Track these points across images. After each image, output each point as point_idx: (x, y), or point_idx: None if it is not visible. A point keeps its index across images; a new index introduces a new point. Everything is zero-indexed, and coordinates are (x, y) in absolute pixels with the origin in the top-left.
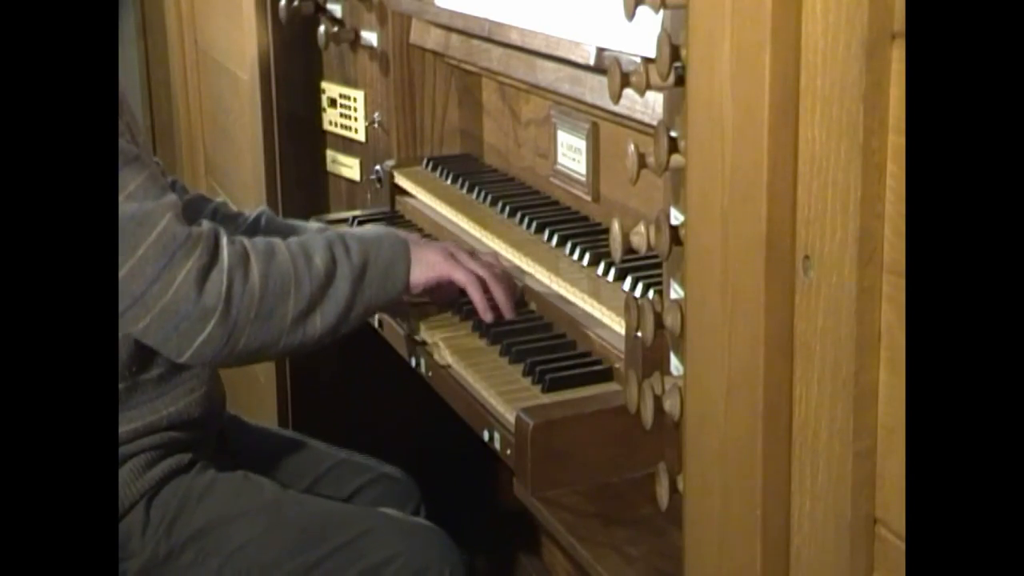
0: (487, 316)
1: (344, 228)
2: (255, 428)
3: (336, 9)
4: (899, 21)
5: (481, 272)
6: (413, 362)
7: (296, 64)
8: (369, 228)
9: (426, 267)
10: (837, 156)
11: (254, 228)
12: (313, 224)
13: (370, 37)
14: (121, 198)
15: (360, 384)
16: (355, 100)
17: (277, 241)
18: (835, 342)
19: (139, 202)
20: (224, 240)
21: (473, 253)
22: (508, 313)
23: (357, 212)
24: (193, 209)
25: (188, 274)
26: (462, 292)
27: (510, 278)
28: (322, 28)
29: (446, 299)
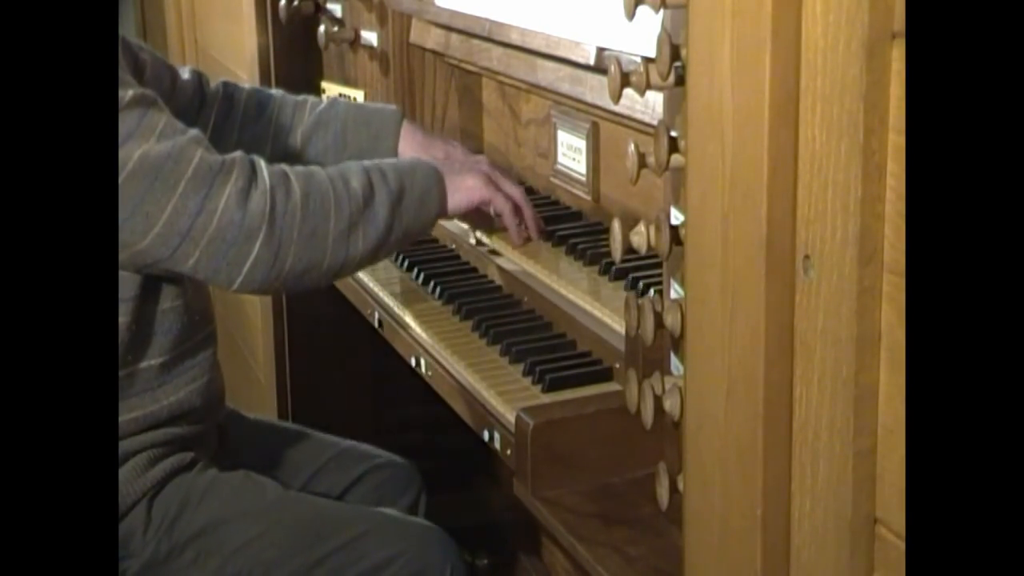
0: (519, 240)
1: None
2: (254, 421)
3: (336, 9)
4: (899, 21)
5: (514, 193)
6: (413, 362)
7: (296, 64)
8: (401, 158)
9: (464, 192)
10: (837, 156)
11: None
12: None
13: (370, 37)
14: (153, 139)
15: (359, 386)
16: (355, 100)
17: (314, 167)
18: (835, 342)
19: (171, 139)
20: (262, 162)
21: (504, 172)
22: (536, 234)
23: None
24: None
25: (228, 199)
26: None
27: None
28: (322, 28)
29: (481, 221)
